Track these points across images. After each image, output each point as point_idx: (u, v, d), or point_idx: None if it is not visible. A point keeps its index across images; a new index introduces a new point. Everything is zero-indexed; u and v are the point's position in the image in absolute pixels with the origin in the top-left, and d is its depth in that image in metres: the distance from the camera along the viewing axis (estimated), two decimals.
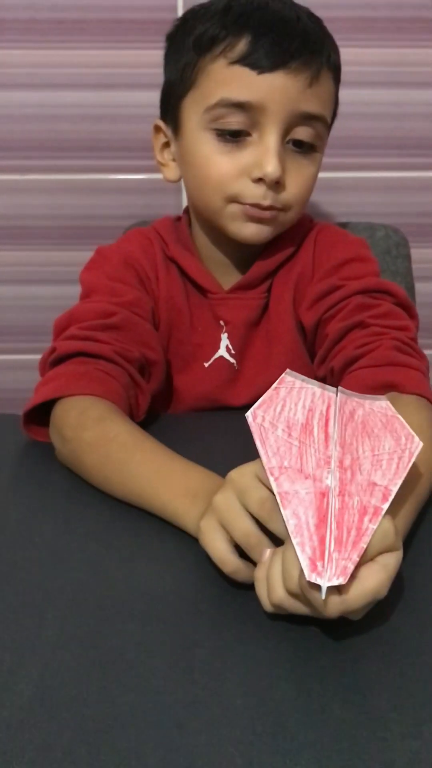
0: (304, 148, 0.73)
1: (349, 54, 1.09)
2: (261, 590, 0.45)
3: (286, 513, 0.44)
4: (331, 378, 0.73)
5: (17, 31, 1.08)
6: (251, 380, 0.80)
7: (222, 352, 0.80)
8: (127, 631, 0.45)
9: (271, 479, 0.46)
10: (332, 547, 0.42)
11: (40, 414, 0.68)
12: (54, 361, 0.70)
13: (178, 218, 0.86)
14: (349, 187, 1.17)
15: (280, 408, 0.52)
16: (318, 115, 0.72)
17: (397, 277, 0.95)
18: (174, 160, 0.79)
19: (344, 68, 1.10)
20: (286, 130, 0.71)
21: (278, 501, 0.45)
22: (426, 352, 0.74)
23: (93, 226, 1.17)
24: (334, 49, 0.75)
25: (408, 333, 0.72)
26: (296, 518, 0.44)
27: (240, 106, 0.70)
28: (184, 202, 1.01)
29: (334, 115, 0.79)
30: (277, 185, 0.72)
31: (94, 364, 0.68)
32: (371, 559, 0.43)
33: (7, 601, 0.48)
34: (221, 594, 0.49)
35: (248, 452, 0.51)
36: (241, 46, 0.69)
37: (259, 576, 0.46)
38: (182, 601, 0.48)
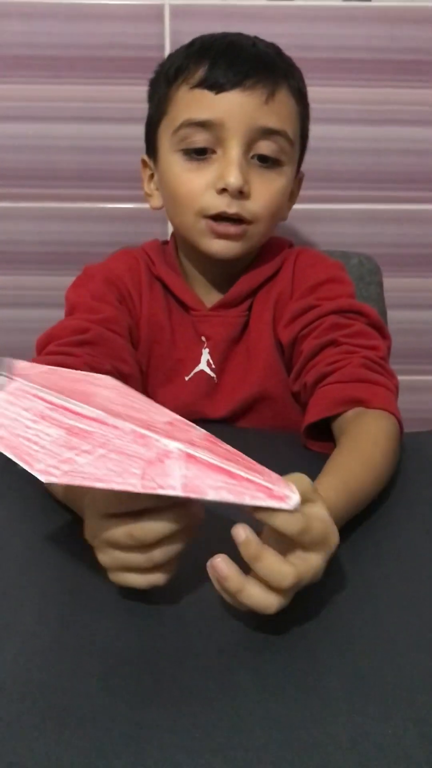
0: (269, 162, 0.78)
1: (329, 93, 1.16)
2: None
3: (211, 495, 0.41)
4: (304, 392, 0.77)
5: (14, 66, 1.13)
6: (230, 394, 0.84)
7: (203, 366, 0.84)
8: (98, 621, 0.48)
9: (159, 491, 0.41)
10: (255, 476, 0.42)
11: None
12: None
13: (166, 242, 0.90)
14: (327, 218, 1.22)
15: (31, 446, 0.46)
16: (277, 129, 0.77)
17: (369, 302, 0.99)
18: (157, 189, 0.84)
19: (325, 106, 1.16)
20: (248, 145, 0.76)
21: (192, 495, 0.42)
22: (400, 377, 0.77)
23: (81, 252, 1.21)
24: (293, 74, 0.80)
25: (378, 352, 0.76)
26: (219, 489, 0.41)
27: (202, 125, 0.75)
28: (170, 230, 1.06)
29: (305, 135, 0.84)
30: (241, 195, 0.76)
31: None
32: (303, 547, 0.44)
33: None
34: (189, 590, 0.51)
35: None
36: (201, 71, 0.75)
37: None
38: (152, 594, 0.51)
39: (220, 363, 0.84)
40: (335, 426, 0.70)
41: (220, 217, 0.77)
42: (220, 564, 0.44)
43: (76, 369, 0.73)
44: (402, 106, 1.17)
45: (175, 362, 0.84)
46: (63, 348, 0.75)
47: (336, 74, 1.15)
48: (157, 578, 0.47)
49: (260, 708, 0.41)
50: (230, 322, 0.84)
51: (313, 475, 0.67)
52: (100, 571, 0.49)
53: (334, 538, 0.46)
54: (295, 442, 0.76)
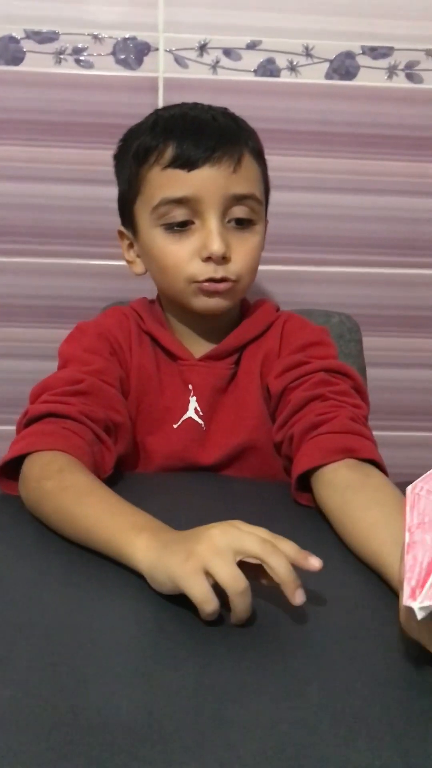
0: (244, 223, 0.83)
1: (313, 163, 1.23)
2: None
3: (407, 558, 0.47)
4: (289, 444, 0.79)
5: (15, 130, 1.18)
6: (219, 441, 0.87)
7: (190, 413, 0.87)
8: (92, 658, 0.50)
9: (407, 534, 0.48)
10: None
11: (14, 470, 0.74)
12: (27, 422, 0.77)
13: (152, 300, 0.95)
14: (310, 279, 1.27)
15: None
16: (247, 194, 0.82)
17: (350, 358, 1.04)
18: (139, 256, 0.89)
19: (309, 175, 1.23)
20: (224, 213, 0.81)
21: (405, 550, 0.47)
22: (378, 432, 0.81)
23: (73, 306, 1.25)
24: (252, 137, 0.86)
25: (362, 411, 0.80)
26: (413, 560, 0.46)
27: (179, 202, 0.80)
28: None
29: (267, 189, 0.89)
30: (224, 260, 0.81)
31: (61, 423, 0.75)
32: None
33: None
34: (175, 621, 0.54)
35: (210, 510, 0.57)
36: (170, 152, 0.80)
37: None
38: (143, 630, 0.53)
39: (208, 411, 0.87)
40: (320, 476, 0.73)
41: (207, 281, 0.81)
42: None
43: (70, 417, 0.76)
44: (381, 177, 1.24)
45: (163, 410, 0.87)
46: (57, 397, 0.78)
47: (319, 146, 1.21)
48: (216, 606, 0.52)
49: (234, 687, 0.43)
50: (217, 372, 0.87)
51: (302, 525, 0.70)
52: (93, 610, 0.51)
53: None
54: (281, 491, 0.79)
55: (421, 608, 0.44)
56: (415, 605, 0.44)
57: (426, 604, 0.44)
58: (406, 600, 0.44)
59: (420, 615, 0.44)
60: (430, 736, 0.44)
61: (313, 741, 0.43)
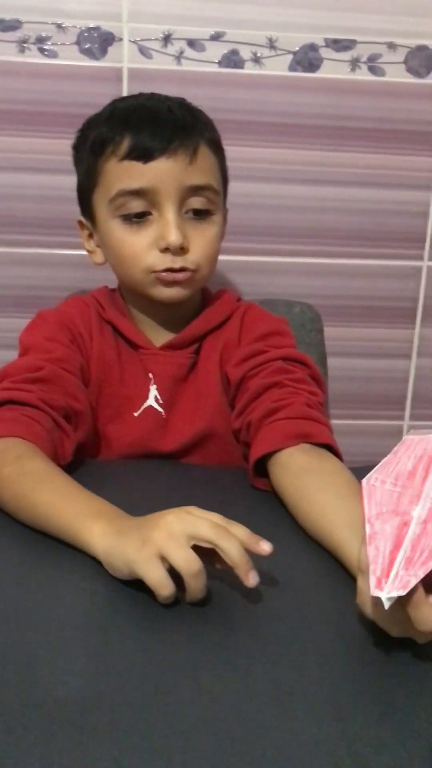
0: (202, 214, 0.84)
1: (276, 154, 1.24)
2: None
3: (369, 548, 0.48)
4: (247, 431, 0.81)
5: None
6: (179, 429, 0.88)
7: (151, 401, 0.88)
8: (44, 636, 0.51)
9: (367, 526, 0.49)
10: (401, 565, 0.46)
11: None
12: None
13: (114, 289, 0.95)
14: (273, 270, 1.28)
15: (394, 466, 0.54)
16: (204, 185, 0.83)
17: (311, 347, 1.06)
18: (99, 246, 0.89)
19: (273, 166, 1.24)
20: (181, 203, 0.82)
21: (366, 541, 0.49)
22: (339, 421, 0.82)
23: (35, 296, 1.24)
24: (208, 128, 0.87)
25: (317, 398, 0.81)
26: (375, 550, 0.48)
27: (136, 193, 0.81)
28: None
29: (226, 179, 0.90)
30: (182, 250, 0.82)
31: (21, 411, 0.75)
32: None
33: None
34: (129, 600, 0.55)
35: (168, 497, 0.58)
36: (126, 144, 0.81)
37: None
38: (96, 609, 0.55)
39: (168, 400, 0.88)
40: (276, 460, 0.75)
41: (166, 270, 0.82)
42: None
43: (30, 404, 0.76)
44: (344, 168, 1.25)
45: (123, 399, 0.88)
46: (17, 385, 0.78)
47: (282, 137, 1.23)
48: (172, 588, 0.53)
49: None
50: (177, 361, 0.88)
51: (258, 509, 0.72)
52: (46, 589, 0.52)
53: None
54: (239, 478, 0.80)
55: (389, 598, 0.45)
56: (383, 595, 0.45)
57: (393, 594, 0.45)
58: (373, 591, 0.46)
59: (387, 605, 0.46)
60: (369, 707, 0.46)
61: (254, 712, 0.45)
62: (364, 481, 0.53)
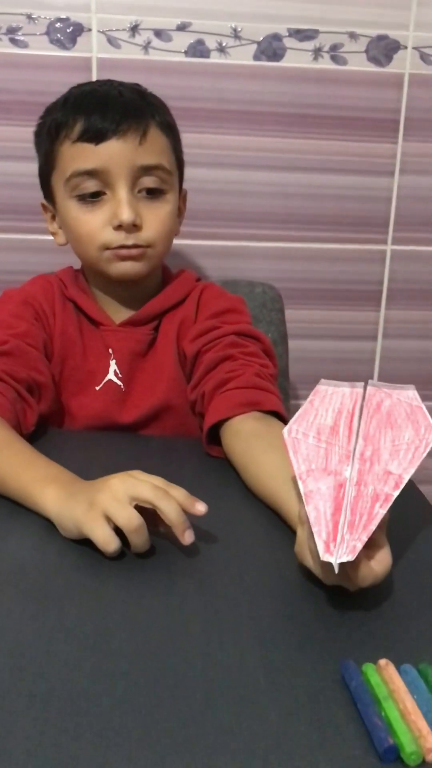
0: (155, 193, 0.87)
1: (240, 141, 1.28)
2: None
3: (308, 508, 0.50)
4: (201, 401, 0.85)
5: None
6: (137, 402, 0.92)
7: (110, 376, 0.92)
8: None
9: (299, 482, 0.51)
10: (345, 530, 0.48)
11: None
12: None
13: (78, 270, 0.99)
14: (238, 254, 1.32)
15: (313, 417, 0.57)
16: (154, 165, 0.86)
17: (271, 326, 1.10)
18: (60, 227, 0.93)
19: (238, 153, 1.27)
20: (133, 183, 0.86)
21: (303, 500, 0.50)
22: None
23: (7, 280, 1.27)
24: (159, 111, 0.90)
25: (268, 370, 0.85)
26: (316, 511, 0.50)
27: (89, 173, 0.85)
28: None
29: (180, 160, 0.93)
30: (135, 227, 0.85)
31: None
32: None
33: None
34: (83, 557, 0.60)
35: (124, 465, 0.62)
36: (78, 127, 0.84)
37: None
38: (47, 569, 0.59)
39: (127, 374, 0.92)
40: (228, 427, 0.79)
41: (120, 247, 0.86)
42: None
43: None
44: (307, 155, 1.29)
45: (86, 373, 0.92)
46: None
47: (247, 125, 1.26)
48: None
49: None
50: (136, 338, 0.92)
51: (211, 475, 0.75)
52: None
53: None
54: (194, 447, 0.84)
55: (339, 564, 0.48)
56: (333, 560, 0.47)
57: (343, 559, 0.48)
58: (323, 556, 0.48)
59: (337, 569, 0.48)
60: (289, 638, 0.50)
61: (182, 643, 0.49)
62: (284, 432, 0.56)
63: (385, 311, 1.39)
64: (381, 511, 0.50)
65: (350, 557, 0.47)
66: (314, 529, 0.49)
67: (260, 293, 1.12)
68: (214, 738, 0.41)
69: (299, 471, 0.53)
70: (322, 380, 0.65)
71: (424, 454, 0.54)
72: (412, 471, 0.52)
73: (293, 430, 0.57)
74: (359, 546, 0.48)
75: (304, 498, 0.51)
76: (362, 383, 0.64)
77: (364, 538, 0.48)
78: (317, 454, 0.54)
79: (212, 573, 0.58)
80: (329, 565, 0.49)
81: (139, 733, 0.41)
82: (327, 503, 0.50)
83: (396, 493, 0.51)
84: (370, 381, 0.64)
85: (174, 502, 0.58)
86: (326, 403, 0.59)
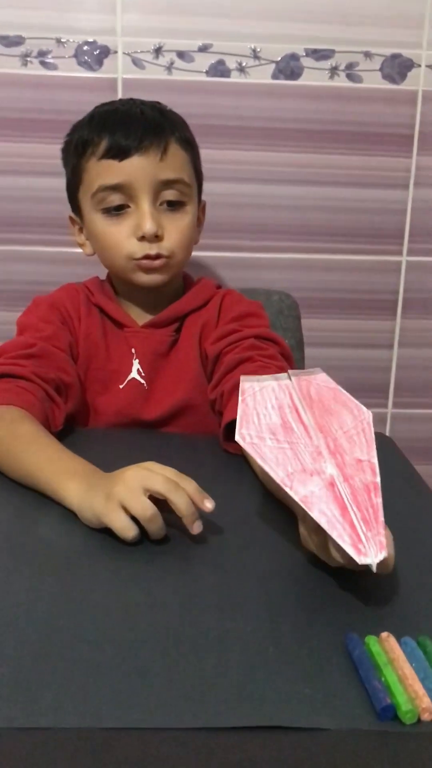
0: (175, 205, 0.92)
1: (262, 157, 1.32)
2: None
3: (315, 514, 0.49)
4: (220, 400, 0.89)
5: None
6: (160, 400, 0.96)
7: (134, 374, 0.97)
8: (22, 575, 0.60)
9: (287, 490, 0.51)
10: (363, 528, 0.49)
11: None
12: None
13: (104, 280, 1.04)
14: (257, 265, 1.37)
15: (256, 418, 0.57)
16: (175, 179, 0.91)
17: (288, 332, 1.14)
18: (88, 239, 0.99)
19: (257, 168, 1.31)
20: (155, 196, 0.91)
21: (303, 506, 0.50)
22: None
23: (37, 291, 1.32)
24: (178, 127, 0.94)
25: (286, 372, 0.89)
26: (324, 515, 0.49)
27: (114, 188, 0.90)
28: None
29: (199, 173, 0.98)
30: (157, 238, 0.90)
31: (16, 383, 0.85)
32: None
33: None
34: (105, 540, 0.64)
35: (146, 460, 0.66)
36: (103, 144, 0.90)
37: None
38: (74, 550, 0.63)
39: (150, 373, 0.97)
40: None
41: (144, 258, 0.91)
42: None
43: (24, 377, 0.85)
44: (323, 169, 1.34)
45: (110, 373, 0.97)
46: (12, 360, 0.87)
47: (266, 141, 1.31)
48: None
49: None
50: (158, 338, 0.97)
51: (227, 470, 0.79)
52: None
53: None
54: (213, 445, 0.88)
55: (378, 563, 0.49)
56: (370, 561, 0.47)
57: (380, 557, 0.48)
58: (360, 560, 0.47)
59: (377, 569, 0.48)
60: (298, 613, 0.54)
61: (198, 615, 0.53)
62: (238, 439, 0.56)
63: (401, 320, 1.42)
64: (378, 501, 0.51)
65: (384, 554, 0.48)
66: (333, 535, 0.49)
67: (277, 301, 1.16)
68: (228, 700, 0.45)
69: (278, 478, 0.52)
70: (242, 377, 0.65)
71: (373, 433, 0.55)
72: (375, 452, 0.53)
73: (246, 435, 0.56)
74: (384, 540, 0.49)
75: (303, 505, 0.51)
76: (284, 374, 0.64)
77: (383, 530, 0.49)
78: (285, 455, 0.54)
79: (226, 556, 0.62)
80: (338, 550, 0.51)
81: (157, 695, 0.45)
82: (330, 505, 0.50)
83: (379, 479, 0.51)
84: (290, 371, 0.65)
85: (184, 494, 0.62)
86: (261, 400, 0.59)
